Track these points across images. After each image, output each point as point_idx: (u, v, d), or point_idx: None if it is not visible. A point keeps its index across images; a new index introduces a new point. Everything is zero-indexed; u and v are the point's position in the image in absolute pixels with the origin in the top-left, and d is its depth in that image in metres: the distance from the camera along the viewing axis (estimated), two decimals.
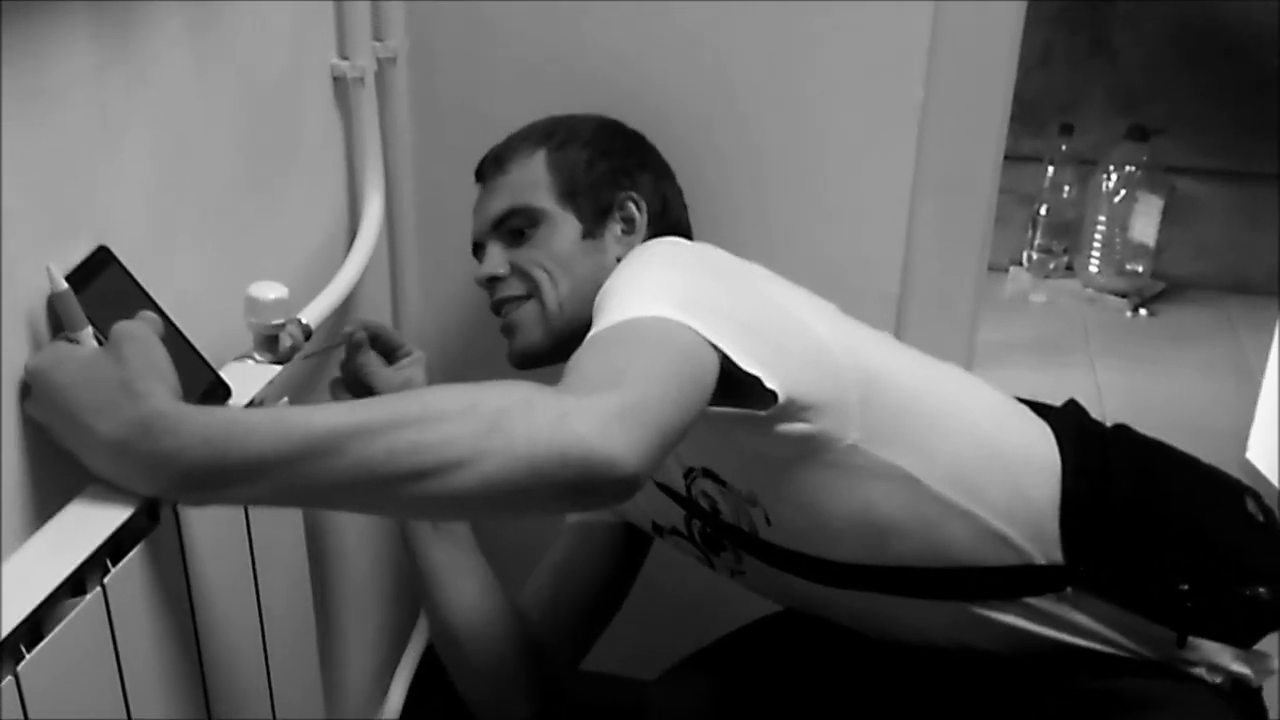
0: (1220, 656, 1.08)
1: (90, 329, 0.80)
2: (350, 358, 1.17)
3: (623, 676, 1.28)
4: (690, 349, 0.89)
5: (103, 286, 0.83)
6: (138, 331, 0.78)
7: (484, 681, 1.21)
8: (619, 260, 1.15)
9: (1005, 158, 1.37)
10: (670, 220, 1.22)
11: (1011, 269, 3.17)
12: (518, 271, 1.17)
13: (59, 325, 0.80)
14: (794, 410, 0.97)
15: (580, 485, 0.74)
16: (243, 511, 0.92)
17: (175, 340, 0.86)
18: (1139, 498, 1.08)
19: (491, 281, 1.19)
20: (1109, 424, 1.17)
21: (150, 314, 0.82)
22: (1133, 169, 3.04)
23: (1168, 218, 3.05)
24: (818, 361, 1.00)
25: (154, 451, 0.73)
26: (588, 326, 1.12)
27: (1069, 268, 3.19)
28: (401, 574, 1.60)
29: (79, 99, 0.82)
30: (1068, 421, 1.13)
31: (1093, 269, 3.13)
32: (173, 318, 0.87)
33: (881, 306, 1.34)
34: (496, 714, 1.24)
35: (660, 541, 1.25)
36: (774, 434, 0.98)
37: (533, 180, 1.18)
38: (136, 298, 0.86)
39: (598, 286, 1.11)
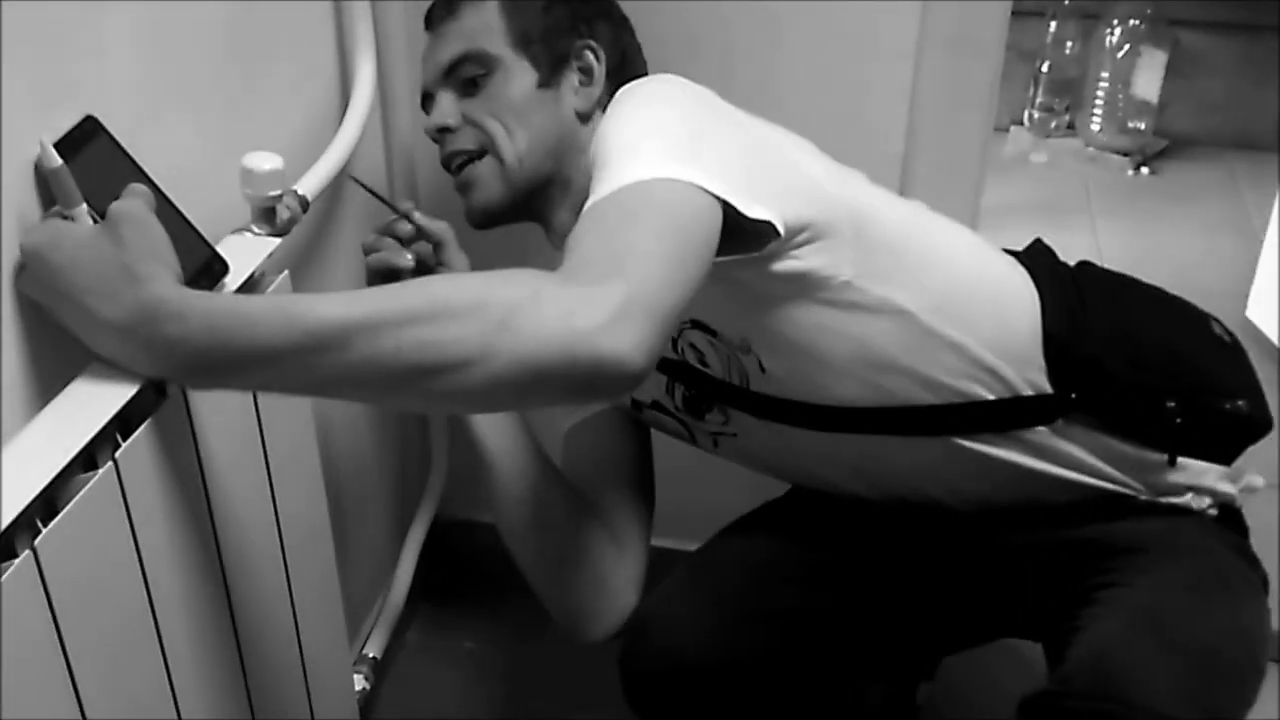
0: (1206, 478, 1.12)
1: (85, 206, 0.78)
2: (435, 221, 1.15)
3: None
4: (695, 215, 0.87)
5: (91, 157, 0.81)
6: (136, 211, 0.77)
7: (584, 585, 1.17)
8: (578, 113, 1.12)
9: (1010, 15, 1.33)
10: (629, 74, 1.16)
11: (1012, 129, 3.13)
12: (470, 123, 1.12)
13: (50, 200, 0.79)
14: (791, 248, 0.98)
15: (587, 383, 0.73)
16: None
17: (169, 213, 0.84)
18: (1116, 324, 1.11)
19: (442, 132, 1.14)
20: None
21: (141, 187, 0.81)
22: (1136, 23, 2.98)
23: (1171, 73, 3.00)
24: (814, 198, 0.99)
25: (156, 336, 0.72)
26: (548, 180, 1.11)
27: (1070, 126, 3.15)
28: (409, 446, 1.61)
29: None
30: (1038, 259, 1.16)
31: (1094, 127, 3.09)
32: (167, 192, 0.85)
33: (886, 167, 1.32)
34: (598, 621, 1.18)
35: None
36: (770, 273, 0.99)
37: (486, 25, 1.12)
38: (126, 168, 0.84)
39: (557, 139, 1.11)
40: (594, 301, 0.73)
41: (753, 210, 0.92)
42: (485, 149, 1.12)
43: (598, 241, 0.82)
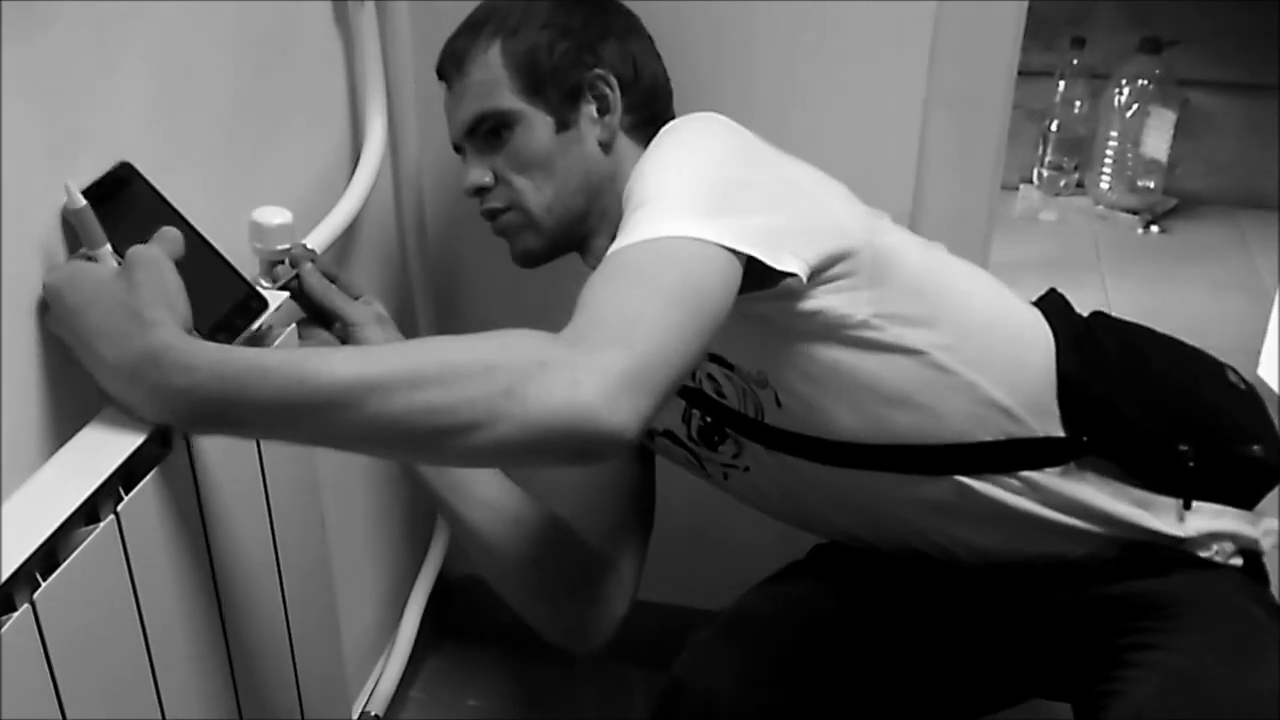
0: (1222, 520, 1.11)
1: (108, 247, 0.80)
2: (311, 287, 1.05)
3: None
4: (713, 279, 0.88)
5: (124, 202, 0.83)
6: (151, 256, 0.78)
7: (573, 608, 1.17)
8: (600, 144, 1.14)
9: (1016, 72, 1.34)
10: (646, 81, 1.17)
11: (1022, 187, 3.14)
12: (501, 179, 1.14)
13: (75, 244, 0.80)
14: (812, 287, 0.99)
15: (583, 449, 0.75)
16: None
17: (206, 254, 0.86)
18: (1129, 368, 1.11)
19: (478, 191, 1.16)
20: None
21: (172, 231, 0.82)
22: (1145, 83, 2.99)
23: (1180, 132, 3.01)
24: (840, 241, 1.00)
25: (161, 384, 0.73)
26: (584, 215, 1.14)
27: (1080, 185, 3.16)
28: (413, 501, 1.60)
29: (76, 18, 0.81)
30: (1055, 306, 1.18)
31: (1104, 186, 3.10)
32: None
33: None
34: (592, 636, 1.19)
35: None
36: (790, 310, 1.00)
37: (494, 78, 1.13)
38: (161, 212, 0.85)
39: (584, 176, 1.13)
40: (598, 372, 0.75)
41: (779, 262, 0.93)
42: (514, 203, 1.14)
43: (611, 301, 0.83)
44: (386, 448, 0.81)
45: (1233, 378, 1.17)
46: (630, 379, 0.75)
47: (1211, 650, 1.01)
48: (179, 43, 0.94)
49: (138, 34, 0.88)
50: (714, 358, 1.08)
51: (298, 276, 1.04)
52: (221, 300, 0.81)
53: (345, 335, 1.07)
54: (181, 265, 0.80)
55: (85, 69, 0.82)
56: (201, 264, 0.81)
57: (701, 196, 0.93)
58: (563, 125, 1.13)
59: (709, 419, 1.14)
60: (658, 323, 0.81)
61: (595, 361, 0.75)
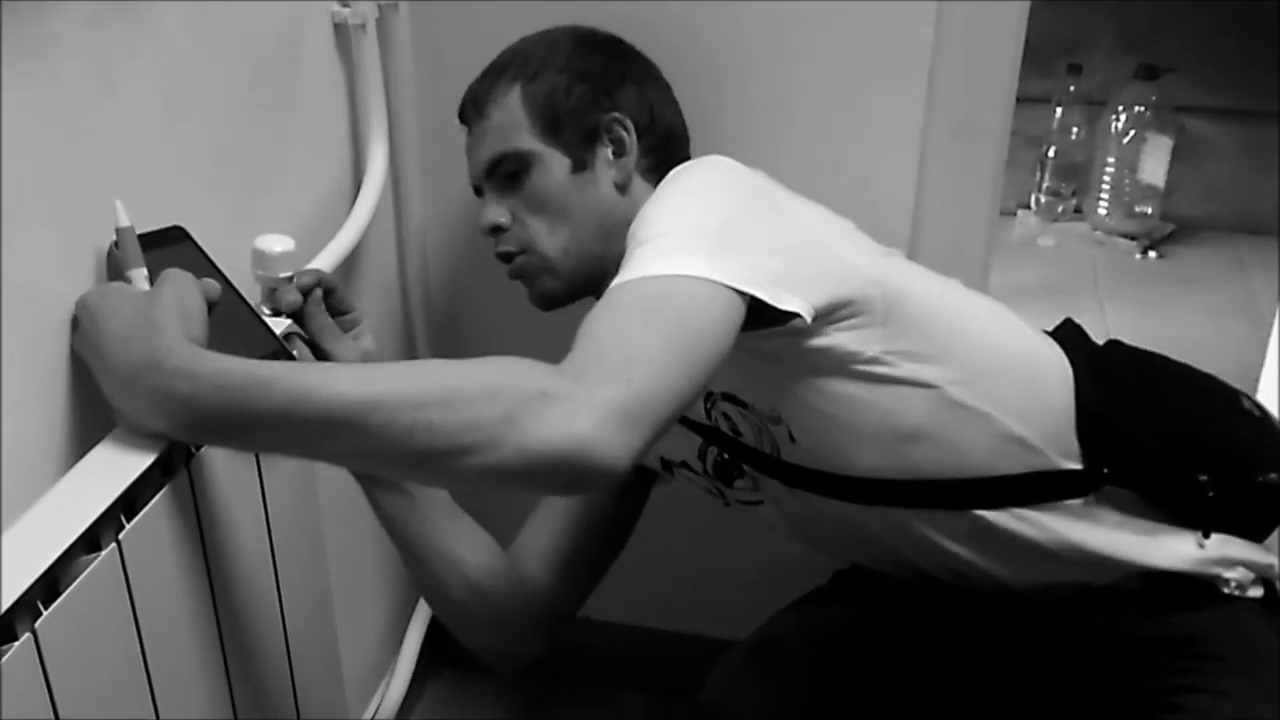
0: (1232, 548, 1.10)
1: (144, 270, 0.82)
2: (311, 317, 1.05)
3: (619, 623, 1.29)
4: (713, 319, 0.88)
5: (172, 256, 0.85)
6: (181, 276, 0.80)
7: (482, 628, 1.18)
8: (616, 185, 1.15)
9: (1015, 100, 1.35)
10: (662, 126, 1.19)
11: (1019, 212, 3.15)
12: (517, 220, 1.15)
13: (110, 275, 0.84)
14: (821, 325, 0.99)
15: (573, 481, 0.77)
16: (256, 466, 0.92)
17: (243, 309, 0.88)
18: (1147, 399, 1.12)
19: (494, 230, 1.17)
20: None
21: (210, 280, 0.84)
22: (1142, 109, 3.00)
23: (1177, 158, 3.02)
24: (848, 280, 1.01)
25: (164, 388, 0.74)
26: (600, 258, 1.14)
27: (1077, 210, 3.16)
28: None
29: (78, 49, 0.81)
30: (1070, 336, 1.18)
31: (1101, 211, 3.11)
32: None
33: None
34: (499, 657, 1.23)
35: (666, 481, 1.25)
36: (800, 347, 1.00)
37: (513, 121, 1.15)
38: (206, 270, 0.87)
39: (600, 218, 1.14)
40: (596, 407, 0.75)
41: (782, 302, 0.94)
42: (529, 247, 1.15)
43: (612, 336, 0.83)
44: (381, 465, 0.82)
45: (1247, 404, 1.17)
46: (626, 415, 0.76)
47: (1260, 697, 1.01)
48: (181, 71, 0.94)
49: (140, 62, 0.89)
50: (727, 396, 1.08)
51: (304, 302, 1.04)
52: (252, 351, 0.83)
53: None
54: (219, 316, 0.82)
55: (87, 101, 0.83)
56: (238, 318, 0.84)
57: (705, 237, 0.94)
58: (579, 166, 1.14)
59: (726, 455, 1.14)
60: (656, 360, 0.81)
61: (594, 396, 0.76)
